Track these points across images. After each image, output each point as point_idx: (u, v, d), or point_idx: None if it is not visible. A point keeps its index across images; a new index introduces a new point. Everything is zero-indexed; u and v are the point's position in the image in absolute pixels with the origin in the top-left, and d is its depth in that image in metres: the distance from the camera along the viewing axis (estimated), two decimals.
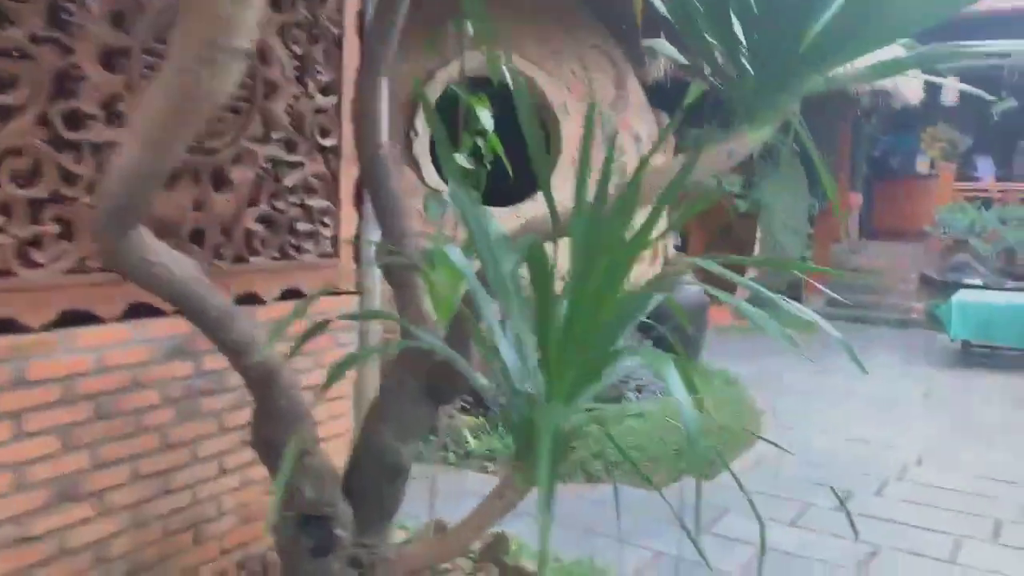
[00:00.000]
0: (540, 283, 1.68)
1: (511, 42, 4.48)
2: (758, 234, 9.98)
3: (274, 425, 1.99)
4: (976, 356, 8.16)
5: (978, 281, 10.25)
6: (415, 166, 4.62)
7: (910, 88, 9.86)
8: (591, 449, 4.45)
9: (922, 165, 13.97)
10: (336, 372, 1.71)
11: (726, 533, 3.82)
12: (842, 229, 12.73)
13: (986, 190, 12.06)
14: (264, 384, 1.97)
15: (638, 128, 5.19)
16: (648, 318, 1.89)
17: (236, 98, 2.43)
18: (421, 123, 4.45)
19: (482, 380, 1.90)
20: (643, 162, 1.71)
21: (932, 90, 11.65)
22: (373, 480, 2.11)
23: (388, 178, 2.36)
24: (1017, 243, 10.20)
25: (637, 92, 5.23)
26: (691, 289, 6.87)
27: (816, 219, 11.78)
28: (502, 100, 2.45)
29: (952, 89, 11.64)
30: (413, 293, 2.28)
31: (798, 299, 11.41)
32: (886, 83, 9.23)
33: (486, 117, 2.96)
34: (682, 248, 11.71)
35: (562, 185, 4.70)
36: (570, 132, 4.83)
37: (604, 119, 4.90)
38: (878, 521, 4.04)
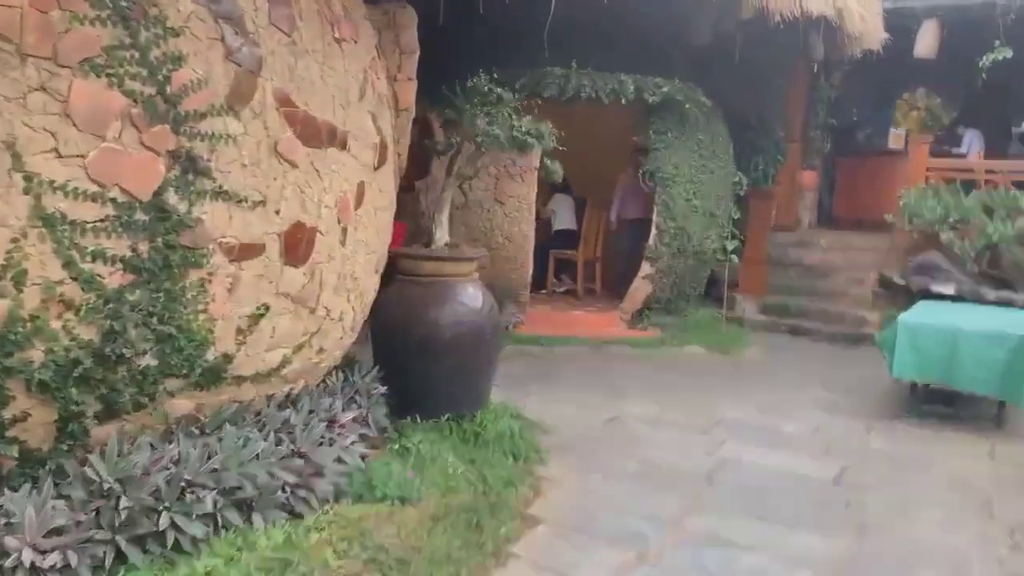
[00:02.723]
0: None
1: None
2: (654, 216, 7.38)
3: None
4: (932, 403, 5.60)
5: (950, 288, 7.67)
6: None
7: (865, 24, 7.23)
8: None
9: (895, 139, 11.34)
10: None
11: None
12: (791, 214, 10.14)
13: (970, 169, 9.44)
14: None
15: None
16: None
17: None
18: None
19: None
20: None
21: (902, 38, 9.04)
22: None
23: None
24: (1004, 240, 7.61)
25: None
26: (473, 299, 4.28)
27: (750, 200, 9.19)
28: None
29: (929, 36, 9.01)
30: None
31: (721, 300, 8.88)
32: (827, 11, 6.57)
33: None
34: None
35: None
36: None
37: None
38: None
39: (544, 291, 9.08)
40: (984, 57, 8.58)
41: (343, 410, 3.61)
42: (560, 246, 8.97)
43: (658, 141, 7.22)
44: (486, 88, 4.16)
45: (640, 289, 7.66)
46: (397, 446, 3.79)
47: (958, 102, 10.70)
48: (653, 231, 7.40)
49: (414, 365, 4.11)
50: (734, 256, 8.48)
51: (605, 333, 7.62)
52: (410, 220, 7.70)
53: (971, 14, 8.80)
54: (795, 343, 8.24)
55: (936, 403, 5.59)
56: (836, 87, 10.41)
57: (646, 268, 7.52)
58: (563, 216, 9.01)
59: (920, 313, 5.76)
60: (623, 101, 6.80)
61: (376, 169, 3.46)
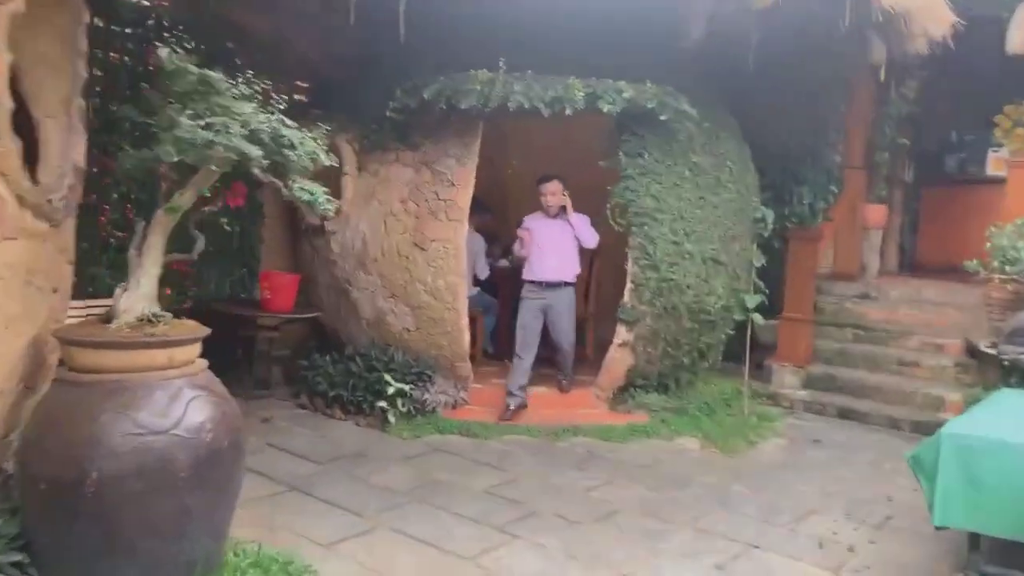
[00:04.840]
0: None
1: None
2: (628, 265, 5.55)
3: None
4: (1005, 564, 3.51)
5: None
6: None
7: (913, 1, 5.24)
8: None
9: (996, 164, 9.00)
10: None
11: None
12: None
13: None
14: None
15: None
16: None
17: None
18: None
19: None
20: None
21: (990, 31, 6.89)
22: None
23: None
24: None
25: None
26: (159, 412, 2.64)
27: (790, 242, 7.19)
28: None
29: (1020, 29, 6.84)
30: None
31: (758, 368, 6.58)
32: None
33: None
34: None
35: None
36: None
37: None
38: None
39: None
40: None
41: None
42: None
43: (630, 165, 5.41)
44: (176, 66, 2.54)
45: (618, 360, 5.80)
46: None
47: None
48: (628, 285, 5.56)
49: (47, 525, 2.50)
50: (757, 315, 6.48)
51: (572, 417, 5.79)
52: (322, 270, 6.18)
53: None
54: (841, 432, 6.15)
55: (1012, 565, 3.49)
56: (912, 101, 8.25)
57: (622, 334, 5.67)
58: None
59: (982, 419, 3.69)
60: (568, 112, 5.04)
61: None
